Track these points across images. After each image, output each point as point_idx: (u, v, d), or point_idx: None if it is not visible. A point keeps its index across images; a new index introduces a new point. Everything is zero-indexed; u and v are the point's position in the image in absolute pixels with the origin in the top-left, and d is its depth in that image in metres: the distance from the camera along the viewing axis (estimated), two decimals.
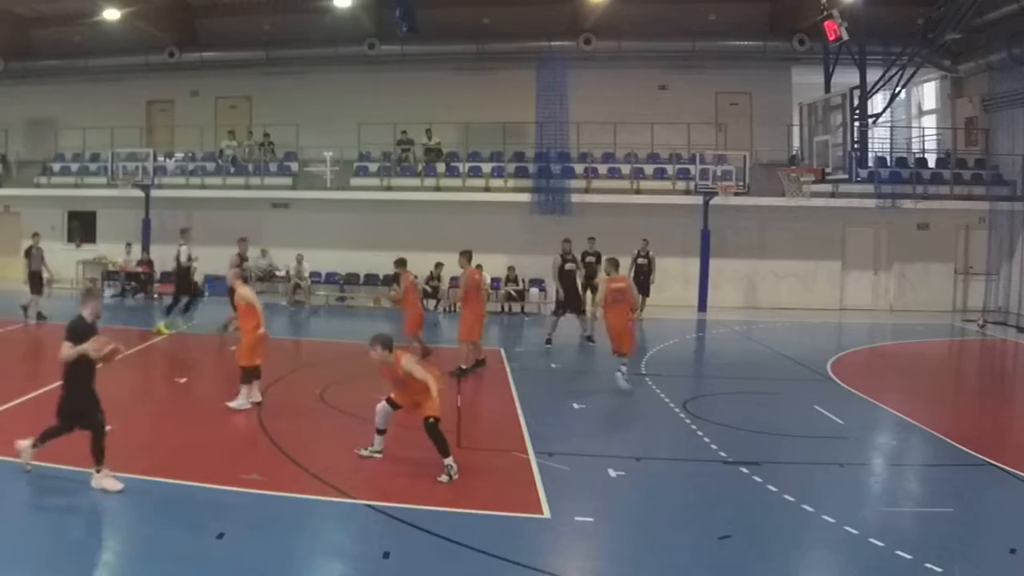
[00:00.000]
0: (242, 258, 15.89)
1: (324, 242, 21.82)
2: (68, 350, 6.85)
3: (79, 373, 6.97)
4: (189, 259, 16.17)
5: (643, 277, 18.97)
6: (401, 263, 13.31)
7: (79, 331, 7.01)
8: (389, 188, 22.42)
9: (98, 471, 6.99)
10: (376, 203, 22.07)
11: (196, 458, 8.06)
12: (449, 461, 7.66)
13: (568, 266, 16.76)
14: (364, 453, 8.18)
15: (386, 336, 7.94)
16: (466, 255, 12.87)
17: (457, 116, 23.03)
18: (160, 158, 23.48)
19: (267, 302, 21.11)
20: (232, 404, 9.92)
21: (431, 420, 7.65)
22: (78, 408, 7.02)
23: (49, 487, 7.09)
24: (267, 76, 24.31)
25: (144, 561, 5.83)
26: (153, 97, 25.32)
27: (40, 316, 16.31)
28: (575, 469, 8.05)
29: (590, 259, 19.55)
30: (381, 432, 8.16)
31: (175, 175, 23.63)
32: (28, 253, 17.33)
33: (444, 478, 7.59)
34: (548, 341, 15.79)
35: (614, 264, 11.97)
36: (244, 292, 10.33)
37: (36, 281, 16.94)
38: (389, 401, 8.04)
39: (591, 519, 6.89)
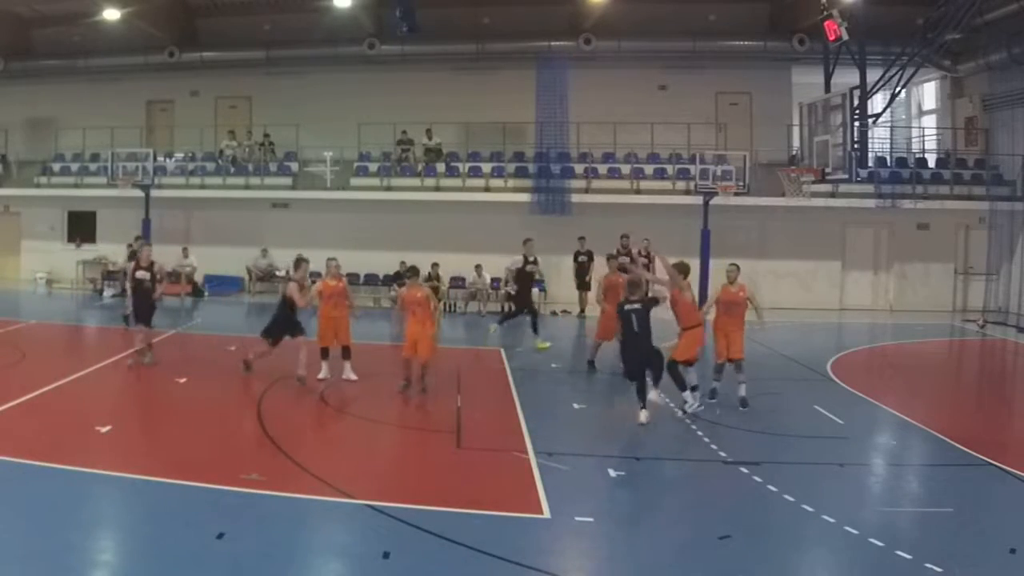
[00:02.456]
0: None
1: (324, 242, 21.73)
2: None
3: None
4: (535, 262, 15.88)
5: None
6: (410, 272, 11.74)
7: None
8: (389, 188, 22.41)
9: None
10: (376, 203, 22.06)
11: (196, 458, 8.06)
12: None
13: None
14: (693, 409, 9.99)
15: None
16: (615, 260, 13.64)
17: (457, 116, 23.02)
18: (160, 158, 23.45)
19: (267, 302, 21.22)
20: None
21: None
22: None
23: (49, 487, 7.09)
24: (267, 76, 24.30)
25: (144, 561, 5.83)
26: (153, 97, 25.30)
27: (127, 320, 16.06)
28: (575, 469, 8.05)
29: (582, 259, 19.58)
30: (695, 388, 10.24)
31: (175, 175, 23.61)
32: (132, 257, 16.29)
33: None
34: None
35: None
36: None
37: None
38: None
39: (591, 519, 6.89)
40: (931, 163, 22.66)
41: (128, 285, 12.81)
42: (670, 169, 22.21)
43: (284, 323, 11.64)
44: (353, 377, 11.50)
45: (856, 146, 18.26)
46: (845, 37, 17.92)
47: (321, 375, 11.56)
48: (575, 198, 21.46)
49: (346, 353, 11.70)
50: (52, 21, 24.13)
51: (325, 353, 11.67)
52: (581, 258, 19.55)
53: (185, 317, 17.92)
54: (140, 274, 12.49)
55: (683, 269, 10.80)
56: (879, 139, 23.03)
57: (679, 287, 10.57)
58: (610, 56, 22.82)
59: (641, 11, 22.29)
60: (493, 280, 20.80)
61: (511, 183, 22.15)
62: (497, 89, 22.87)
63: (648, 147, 22.76)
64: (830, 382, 12.68)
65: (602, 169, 22.45)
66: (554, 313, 20.55)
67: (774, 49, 22.57)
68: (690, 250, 20.85)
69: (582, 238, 19.57)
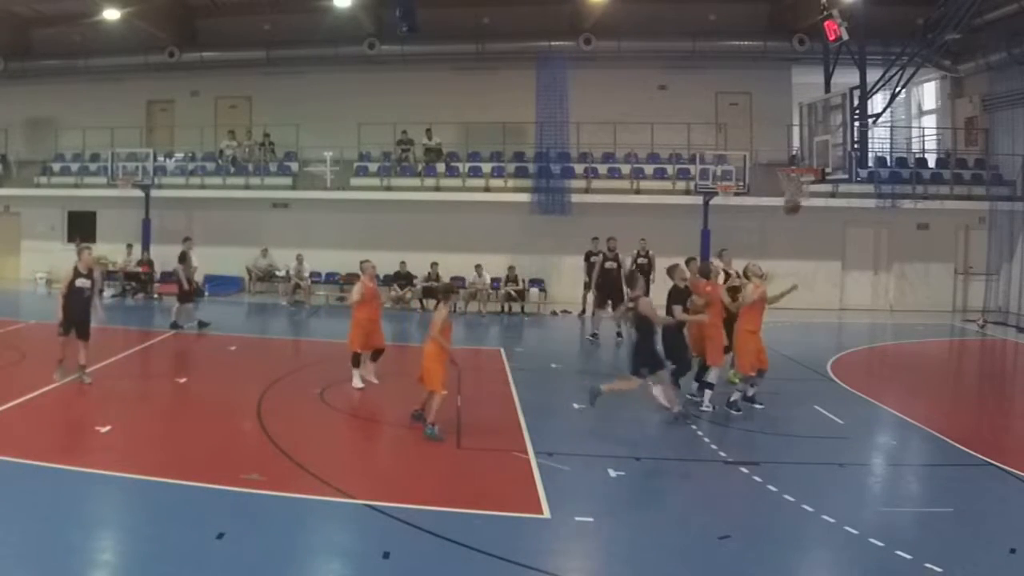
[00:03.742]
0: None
1: (324, 242, 21.81)
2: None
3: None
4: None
5: (644, 278, 18.83)
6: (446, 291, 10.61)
7: None
8: (389, 188, 22.42)
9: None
10: (376, 203, 22.07)
11: (196, 458, 8.06)
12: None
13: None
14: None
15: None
16: (694, 262, 12.15)
17: (457, 116, 23.04)
18: (160, 158, 23.47)
19: (267, 302, 21.22)
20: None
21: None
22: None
23: (49, 487, 7.09)
24: (267, 76, 24.31)
25: (144, 561, 5.83)
26: (153, 97, 25.33)
27: (202, 324, 15.93)
28: (575, 469, 8.05)
29: (594, 259, 19.55)
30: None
31: (175, 175, 23.63)
32: (183, 258, 16.10)
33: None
34: None
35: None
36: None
37: (192, 289, 16.29)
38: None
39: (591, 519, 6.89)
40: (931, 163, 22.67)
41: (62, 295, 10.82)
42: (670, 169, 22.22)
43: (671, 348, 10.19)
44: (361, 384, 11.25)
45: (856, 146, 18.21)
46: (845, 37, 17.87)
47: (371, 378, 11.18)
48: (575, 198, 21.48)
49: (358, 358, 11.28)
50: (52, 21, 24.14)
51: (358, 360, 11.18)
52: (593, 258, 19.53)
53: (185, 317, 17.90)
54: (81, 282, 10.64)
55: (703, 270, 11.47)
56: (879, 139, 23.04)
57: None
58: (610, 56, 22.83)
59: (641, 11, 22.30)
60: (493, 280, 20.80)
61: (511, 183, 22.16)
62: (497, 89, 22.90)
63: (648, 147, 22.77)
64: (830, 382, 12.68)
65: (602, 169, 22.45)
66: (554, 313, 20.56)
67: (774, 49, 22.58)
68: (690, 250, 20.86)
69: (595, 238, 19.55)
